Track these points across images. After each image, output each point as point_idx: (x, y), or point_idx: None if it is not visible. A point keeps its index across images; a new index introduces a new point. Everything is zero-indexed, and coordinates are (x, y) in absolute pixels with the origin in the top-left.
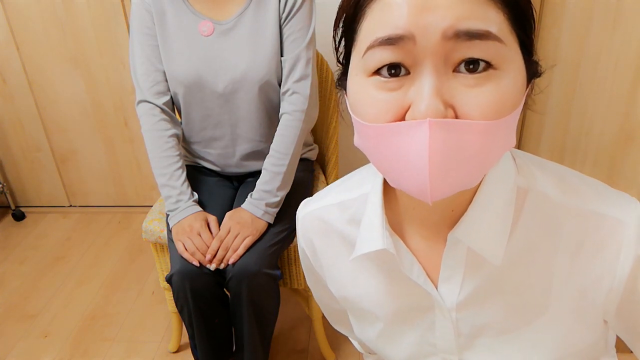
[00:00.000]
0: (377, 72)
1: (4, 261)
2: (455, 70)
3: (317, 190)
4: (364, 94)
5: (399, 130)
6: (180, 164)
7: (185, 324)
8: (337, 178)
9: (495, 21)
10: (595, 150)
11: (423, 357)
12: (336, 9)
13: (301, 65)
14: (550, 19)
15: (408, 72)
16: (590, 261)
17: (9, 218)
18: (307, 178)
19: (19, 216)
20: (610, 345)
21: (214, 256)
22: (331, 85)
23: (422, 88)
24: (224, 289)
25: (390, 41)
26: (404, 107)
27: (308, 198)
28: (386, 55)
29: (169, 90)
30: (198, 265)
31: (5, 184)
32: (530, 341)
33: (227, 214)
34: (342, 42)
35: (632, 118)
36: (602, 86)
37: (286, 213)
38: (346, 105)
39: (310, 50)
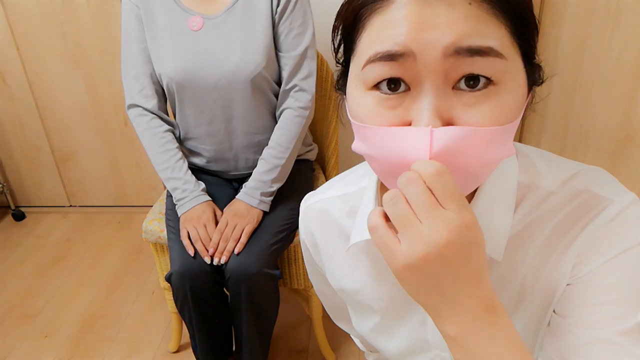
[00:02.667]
0: (377, 86)
1: (4, 261)
2: (455, 87)
3: None
4: (364, 106)
5: (400, 135)
6: (180, 155)
7: (185, 322)
8: None
9: (497, 36)
10: (595, 150)
11: (417, 352)
12: (333, 6)
13: (307, 62)
14: (550, 19)
15: (408, 88)
16: (566, 243)
17: (9, 218)
18: (307, 178)
19: (19, 216)
20: None
21: (216, 249)
22: (331, 85)
23: (422, 108)
24: (224, 289)
25: (390, 57)
26: (405, 123)
27: (312, 191)
28: (386, 71)
29: (157, 93)
30: (193, 254)
31: (5, 184)
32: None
33: (225, 208)
34: (342, 46)
35: (632, 118)
36: (602, 86)
37: (286, 213)
38: (345, 110)
39: (315, 47)
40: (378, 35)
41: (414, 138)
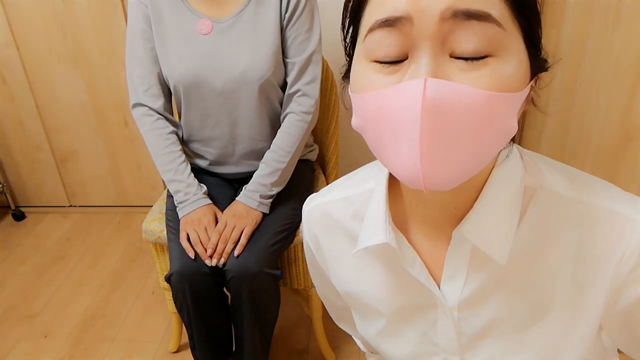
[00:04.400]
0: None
1: (4, 261)
2: (452, 55)
3: (317, 191)
4: (364, 77)
5: (394, 90)
6: (183, 158)
7: (184, 323)
8: (337, 178)
9: (496, 5)
10: (596, 150)
11: (425, 356)
12: (335, 10)
13: (312, 67)
14: (550, 18)
15: (407, 58)
16: (595, 258)
17: (9, 218)
18: (307, 178)
19: (19, 216)
20: (611, 348)
21: (214, 250)
22: (331, 85)
23: (419, 70)
24: (224, 289)
25: (388, 22)
26: None
27: (314, 194)
28: (385, 36)
29: (163, 93)
30: (194, 257)
31: (5, 184)
32: (534, 343)
33: (224, 210)
34: (349, 34)
35: (632, 118)
36: (602, 86)
37: (286, 213)
38: (348, 94)
39: (320, 52)
40: (378, 5)
41: (407, 89)
